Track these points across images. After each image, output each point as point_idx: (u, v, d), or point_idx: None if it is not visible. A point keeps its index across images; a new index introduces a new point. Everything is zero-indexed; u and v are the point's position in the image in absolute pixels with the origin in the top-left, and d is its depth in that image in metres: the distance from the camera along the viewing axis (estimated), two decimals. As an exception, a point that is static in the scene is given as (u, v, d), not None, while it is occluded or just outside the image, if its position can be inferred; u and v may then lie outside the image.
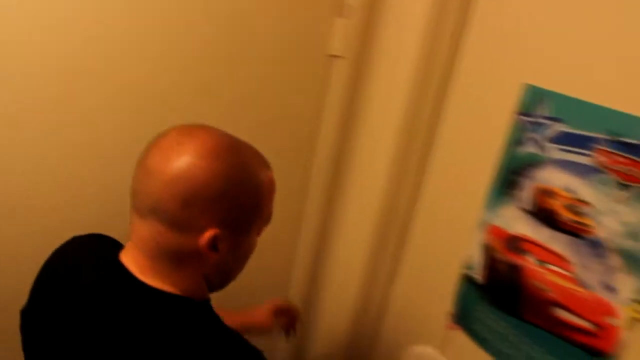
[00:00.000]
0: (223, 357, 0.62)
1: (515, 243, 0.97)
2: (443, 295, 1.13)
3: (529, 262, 0.94)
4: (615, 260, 0.81)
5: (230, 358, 0.63)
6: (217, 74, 1.08)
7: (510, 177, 0.98)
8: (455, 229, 1.10)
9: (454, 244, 1.11)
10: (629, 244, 0.79)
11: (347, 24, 1.16)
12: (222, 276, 0.72)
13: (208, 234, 0.63)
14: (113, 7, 0.93)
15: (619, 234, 0.80)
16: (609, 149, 0.82)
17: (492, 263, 1.01)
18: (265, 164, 0.70)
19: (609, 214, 0.82)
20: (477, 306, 1.04)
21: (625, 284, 0.79)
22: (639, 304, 0.77)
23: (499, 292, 1.00)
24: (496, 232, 1.01)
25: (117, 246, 0.72)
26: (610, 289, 0.81)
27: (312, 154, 1.30)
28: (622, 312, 0.79)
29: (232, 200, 0.64)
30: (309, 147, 1.29)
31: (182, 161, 0.61)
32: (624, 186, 0.80)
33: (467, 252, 1.07)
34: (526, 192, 0.95)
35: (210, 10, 1.02)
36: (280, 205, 1.18)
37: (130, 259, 0.66)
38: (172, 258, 0.64)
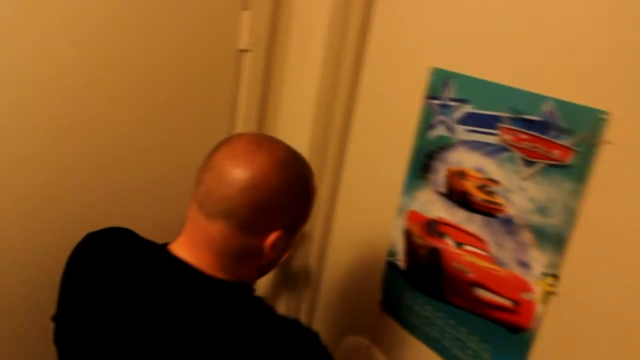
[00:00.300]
0: (290, 340, 0.69)
1: (434, 227, 0.97)
2: (372, 284, 1.12)
3: (448, 245, 0.94)
4: (526, 237, 0.82)
5: (294, 340, 0.69)
6: (129, 75, 1.05)
7: (424, 161, 0.97)
8: (378, 218, 1.09)
9: (378, 232, 1.10)
10: (538, 220, 0.80)
11: (253, 17, 1.14)
12: (269, 269, 0.82)
13: (273, 236, 0.72)
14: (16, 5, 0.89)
15: (528, 210, 0.81)
16: (512, 127, 0.82)
17: (413, 248, 1.01)
18: (313, 173, 0.79)
19: (517, 191, 0.82)
20: (403, 292, 1.04)
21: (537, 259, 0.80)
22: (552, 277, 0.78)
23: (421, 276, 1.00)
24: (415, 217, 1.00)
25: (137, 238, 0.80)
26: (524, 265, 0.82)
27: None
28: (537, 287, 0.81)
29: (295, 206, 0.75)
30: None
31: (256, 171, 0.68)
32: (529, 163, 0.80)
33: (390, 240, 1.06)
34: (440, 175, 0.95)
35: (118, 11, 0.99)
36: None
37: (190, 254, 0.72)
38: (238, 255, 0.72)
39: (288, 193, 0.72)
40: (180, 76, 1.12)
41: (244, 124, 1.23)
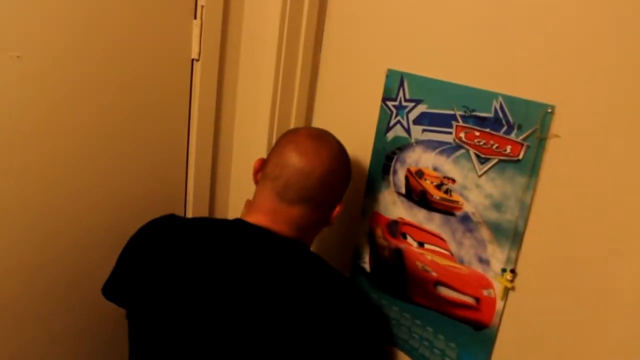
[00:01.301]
0: (346, 285, 0.89)
1: (396, 227, 0.97)
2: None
3: (410, 245, 0.94)
4: (484, 233, 0.82)
5: (347, 285, 0.89)
6: (82, 85, 1.00)
7: (384, 163, 0.98)
8: (343, 221, 1.09)
9: (344, 235, 1.10)
10: (494, 216, 0.80)
11: (202, 26, 1.12)
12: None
13: (338, 209, 0.92)
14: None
15: (485, 207, 0.81)
16: (466, 125, 0.83)
17: (377, 250, 1.01)
18: None
19: (474, 188, 0.83)
20: (370, 295, 1.04)
21: (495, 255, 0.81)
22: (509, 272, 0.79)
23: (386, 277, 1.00)
24: (378, 219, 1.00)
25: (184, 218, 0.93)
26: (484, 261, 0.83)
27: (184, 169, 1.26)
28: (496, 283, 0.81)
29: (347, 183, 0.95)
30: (181, 160, 1.24)
31: (324, 163, 0.87)
32: (483, 160, 0.81)
33: (355, 242, 1.06)
34: (400, 175, 0.95)
35: (73, 23, 0.95)
36: (161, 209, 1.18)
37: (269, 225, 0.86)
38: (309, 226, 0.90)
39: (344, 175, 0.93)
40: (134, 86, 1.08)
41: (198, 133, 1.20)
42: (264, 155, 1.04)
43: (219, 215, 1.32)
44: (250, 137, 1.19)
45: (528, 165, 0.75)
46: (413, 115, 0.91)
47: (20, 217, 0.98)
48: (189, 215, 1.27)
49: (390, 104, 0.95)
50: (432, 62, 0.88)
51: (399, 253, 0.96)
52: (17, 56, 0.89)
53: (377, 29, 0.97)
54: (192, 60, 1.15)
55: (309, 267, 0.86)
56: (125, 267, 0.92)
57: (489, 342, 0.83)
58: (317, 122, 1.14)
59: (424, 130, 0.90)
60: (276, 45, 1.07)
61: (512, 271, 0.78)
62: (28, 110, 0.94)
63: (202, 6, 1.09)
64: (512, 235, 0.78)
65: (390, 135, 0.96)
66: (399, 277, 0.97)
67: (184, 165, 1.23)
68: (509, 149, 0.77)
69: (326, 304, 0.81)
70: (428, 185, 0.90)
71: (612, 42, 0.66)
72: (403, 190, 0.94)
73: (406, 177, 0.94)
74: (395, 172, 0.95)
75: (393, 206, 0.97)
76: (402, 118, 0.93)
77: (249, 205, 0.94)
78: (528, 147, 0.75)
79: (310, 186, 0.86)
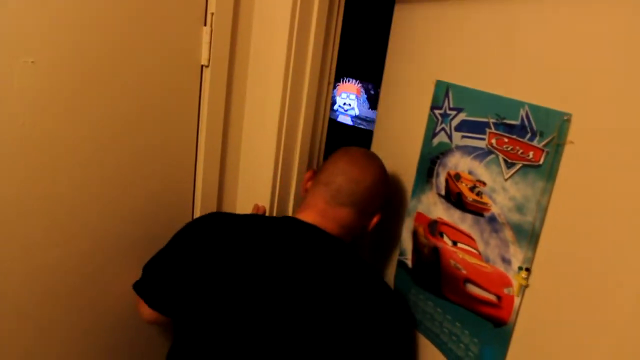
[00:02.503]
0: (386, 286, 1.04)
1: (434, 227, 1.04)
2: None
3: (445, 243, 1.01)
4: (508, 234, 0.87)
5: (387, 287, 1.04)
6: (98, 91, 1.01)
7: (429, 167, 1.06)
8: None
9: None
10: (516, 217, 0.85)
11: (210, 33, 1.13)
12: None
13: (376, 219, 1.08)
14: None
15: (509, 208, 0.87)
16: (496, 132, 0.89)
17: (418, 247, 1.08)
18: None
19: (500, 191, 0.88)
20: (410, 290, 1.11)
21: (516, 255, 0.85)
22: (525, 271, 0.83)
23: (424, 274, 1.07)
24: (420, 218, 1.08)
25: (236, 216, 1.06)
26: (506, 261, 0.87)
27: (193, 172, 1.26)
28: (514, 281, 0.85)
29: (386, 197, 1.11)
30: (190, 166, 1.25)
31: (373, 175, 1.05)
32: (510, 164, 0.86)
33: (401, 240, 1.14)
34: (441, 178, 1.02)
35: (86, 29, 0.95)
36: (169, 213, 1.22)
37: (319, 223, 1.01)
38: (352, 228, 1.04)
39: (385, 190, 1.09)
40: (144, 91, 1.08)
41: (207, 139, 1.21)
42: (272, 161, 1.17)
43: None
44: (259, 143, 1.24)
45: (547, 170, 0.80)
46: (455, 123, 0.98)
47: (33, 219, 0.98)
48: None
49: (437, 112, 1.03)
50: (472, 73, 0.95)
51: (436, 251, 1.03)
52: (32, 62, 0.90)
53: (428, 44, 1.07)
54: (202, 66, 1.16)
55: (351, 262, 1.00)
56: (178, 267, 0.98)
57: (507, 338, 0.87)
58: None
59: (462, 137, 0.97)
60: (285, 52, 1.12)
61: (527, 269, 0.83)
62: (43, 115, 0.94)
63: (212, 13, 1.11)
64: (530, 236, 0.82)
65: (436, 141, 1.03)
66: (435, 273, 1.03)
67: (192, 170, 1.24)
68: (531, 154, 0.82)
69: (368, 297, 0.96)
70: (463, 187, 0.96)
71: (622, 55, 0.70)
72: (443, 192, 1.02)
73: (446, 180, 1.01)
74: (437, 175, 1.03)
75: (434, 207, 1.04)
76: (446, 125, 1.01)
77: (302, 205, 1.08)
78: (547, 152, 0.79)
79: (358, 192, 1.02)
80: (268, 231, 0.99)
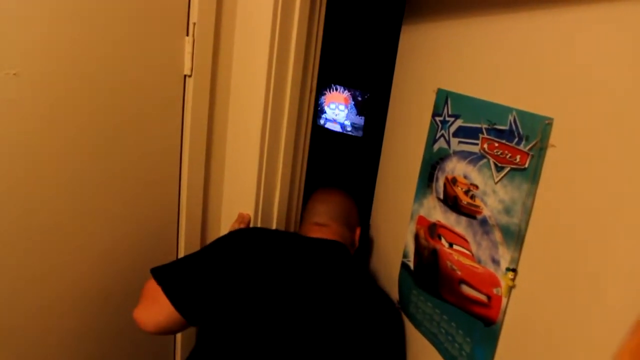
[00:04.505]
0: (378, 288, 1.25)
1: (434, 229, 1.07)
2: (391, 284, 1.23)
3: (443, 245, 1.04)
4: (497, 235, 0.90)
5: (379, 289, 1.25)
6: (81, 102, 1.00)
7: (430, 172, 1.09)
8: (397, 223, 1.22)
9: (397, 237, 1.22)
10: (505, 219, 0.88)
11: (193, 43, 1.14)
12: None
13: (358, 231, 1.29)
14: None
15: (498, 211, 0.89)
16: (488, 137, 0.92)
17: (419, 250, 1.12)
18: None
19: (491, 194, 0.91)
20: (412, 291, 1.14)
21: (504, 256, 0.88)
22: (512, 272, 0.85)
23: (425, 275, 1.10)
24: (422, 221, 1.12)
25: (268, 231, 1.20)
26: (495, 262, 0.90)
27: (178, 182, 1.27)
28: (502, 282, 0.88)
29: (356, 214, 1.33)
30: (174, 174, 1.25)
31: (339, 195, 1.33)
32: (499, 168, 0.89)
33: (404, 243, 1.18)
34: (440, 182, 1.06)
35: (68, 40, 0.95)
36: (154, 222, 1.24)
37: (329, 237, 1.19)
38: (348, 238, 1.24)
39: (354, 207, 1.33)
40: (127, 102, 1.08)
41: (190, 148, 1.21)
42: (255, 169, 1.24)
43: (211, 227, 1.36)
44: (243, 151, 1.26)
45: (531, 173, 0.82)
46: (453, 129, 1.02)
47: (14, 229, 0.97)
48: (182, 229, 1.29)
49: (437, 119, 1.07)
50: (468, 81, 0.99)
51: (434, 253, 1.06)
52: (14, 73, 0.88)
53: (431, 56, 1.11)
54: (185, 76, 1.16)
55: (360, 272, 1.18)
56: (225, 278, 1.01)
57: (495, 337, 0.89)
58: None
59: (459, 142, 1.00)
60: (267, 62, 1.14)
61: (514, 270, 0.85)
62: (25, 127, 0.93)
63: (194, 23, 1.11)
64: (516, 237, 0.85)
65: (436, 146, 1.07)
66: (434, 275, 1.06)
67: (177, 178, 1.25)
68: (518, 158, 0.85)
69: (376, 300, 1.13)
70: (459, 191, 1.00)
71: (600, 61, 0.73)
72: (442, 196, 1.05)
73: (444, 184, 1.04)
74: (437, 179, 1.07)
75: (434, 210, 1.08)
76: (445, 131, 1.04)
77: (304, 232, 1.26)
78: (532, 156, 0.82)
79: (332, 209, 1.26)
80: (305, 250, 1.12)
